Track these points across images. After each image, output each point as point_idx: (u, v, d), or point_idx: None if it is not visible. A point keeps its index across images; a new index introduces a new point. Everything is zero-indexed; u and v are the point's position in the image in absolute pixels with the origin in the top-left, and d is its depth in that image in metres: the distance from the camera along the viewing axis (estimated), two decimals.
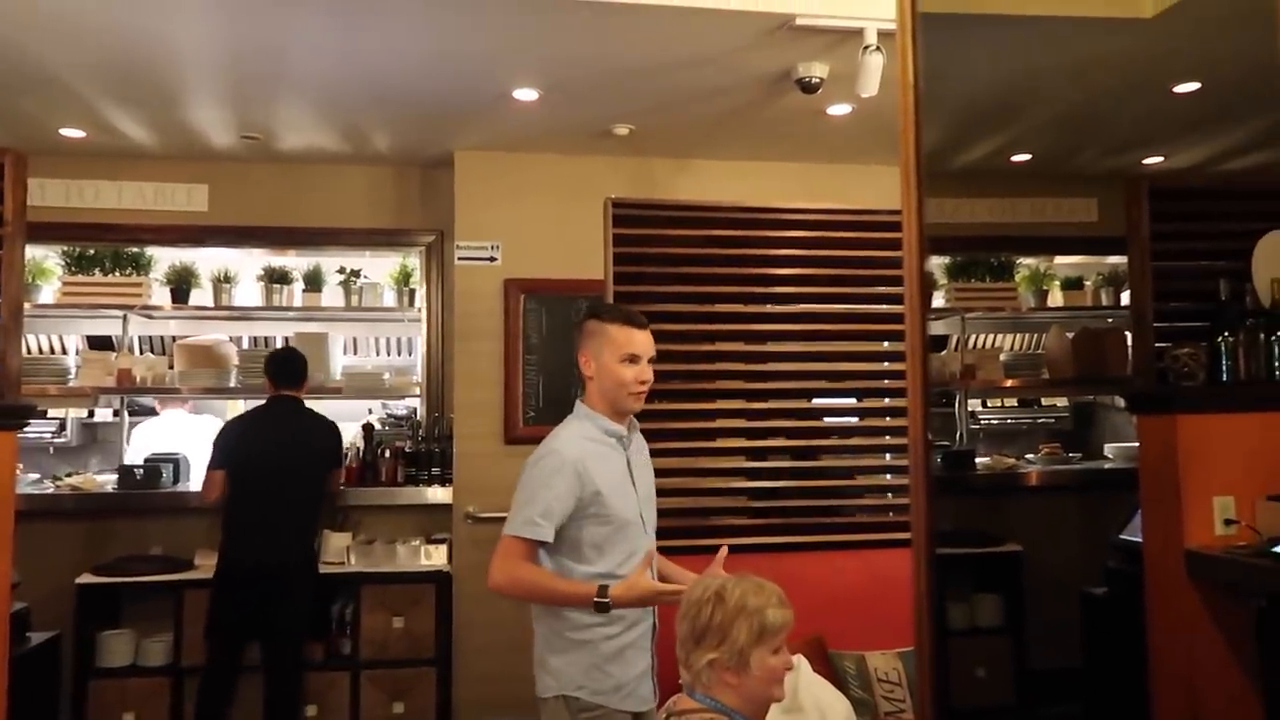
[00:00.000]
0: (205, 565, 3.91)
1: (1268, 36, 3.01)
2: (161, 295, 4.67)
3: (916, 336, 1.04)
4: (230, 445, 3.82)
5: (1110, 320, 5.04)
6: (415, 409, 4.88)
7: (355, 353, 5.49)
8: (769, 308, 3.42)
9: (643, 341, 2.36)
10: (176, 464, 4.38)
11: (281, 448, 3.81)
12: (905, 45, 1.17)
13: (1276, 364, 2.91)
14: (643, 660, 2.34)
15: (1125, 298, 4.90)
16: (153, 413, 5.09)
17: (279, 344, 5.29)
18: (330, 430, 3.98)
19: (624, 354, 2.33)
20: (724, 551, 2.30)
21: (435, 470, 4.43)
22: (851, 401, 3.51)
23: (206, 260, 4.79)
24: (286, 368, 3.93)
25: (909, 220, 1.10)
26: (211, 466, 3.82)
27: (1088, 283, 5.16)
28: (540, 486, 2.25)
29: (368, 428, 4.57)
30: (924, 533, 1.01)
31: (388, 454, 4.46)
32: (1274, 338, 2.91)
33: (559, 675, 2.27)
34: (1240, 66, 3.29)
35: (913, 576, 1.06)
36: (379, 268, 4.95)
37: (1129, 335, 4.30)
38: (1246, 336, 2.94)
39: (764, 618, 1.78)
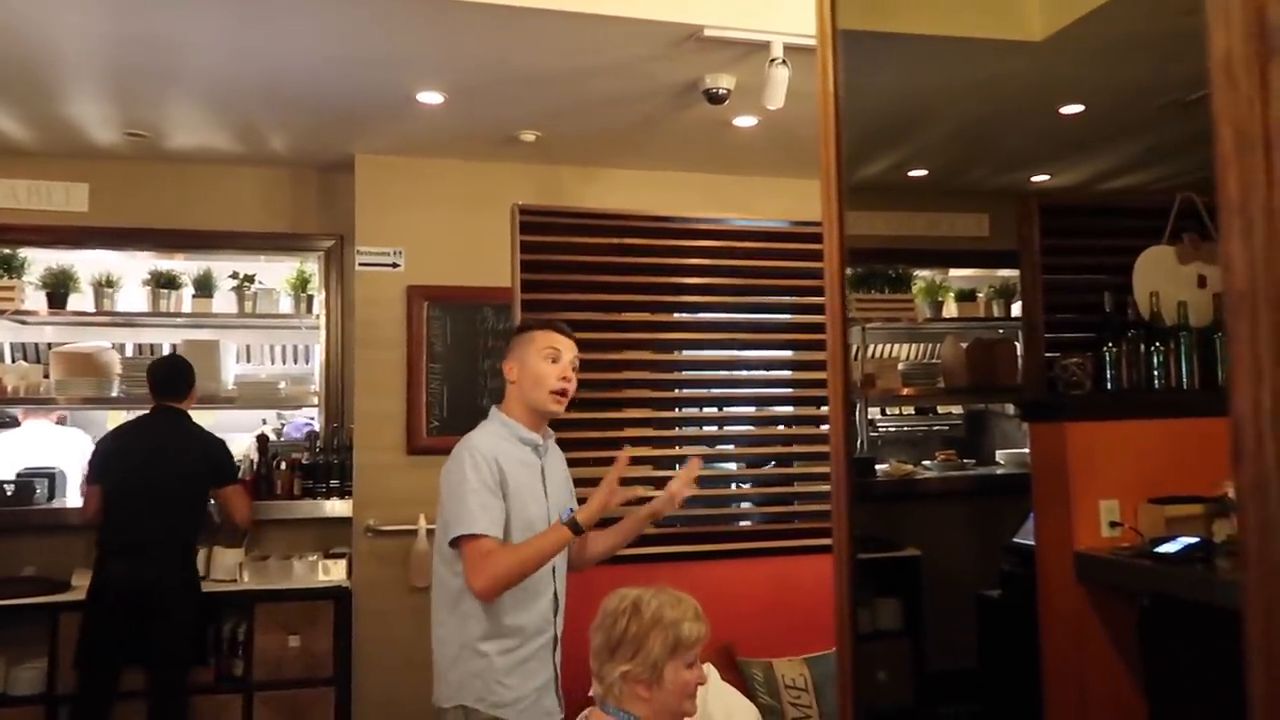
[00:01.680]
0: (82, 586, 3.67)
1: (1147, 64, 3.18)
2: (37, 299, 4.39)
3: (838, 346, 1.04)
4: (105, 459, 3.62)
5: (1001, 331, 5.24)
6: (313, 419, 4.72)
7: (249, 361, 5.28)
8: (677, 317, 3.43)
9: (565, 344, 2.41)
10: (52, 478, 4.13)
11: (158, 461, 3.60)
12: (825, 59, 1.17)
13: (1155, 373, 3.07)
14: (544, 672, 2.32)
15: (1016, 309, 5.11)
16: (15, 423, 4.79)
17: (165, 351, 5.05)
18: (215, 445, 3.77)
19: (546, 350, 2.37)
20: (695, 463, 2.56)
21: (334, 482, 4.29)
22: (758, 410, 3.55)
23: (87, 263, 4.52)
24: (169, 378, 3.73)
25: (830, 232, 1.10)
26: (88, 482, 3.64)
27: (980, 294, 5.35)
28: (464, 482, 2.23)
29: (262, 439, 4.40)
30: (845, 539, 1.01)
31: (283, 466, 4.30)
32: (1153, 348, 3.07)
33: (458, 686, 2.25)
34: (1121, 91, 3.47)
35: (834, 582, 1.06)
36: (275, 273, 4.77)
37: (1019, 345, 4.48)
38: (1129, 347, 3.09)
39: (679, 631, 1.77)
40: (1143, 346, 3.08)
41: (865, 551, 4.20)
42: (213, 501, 3.81)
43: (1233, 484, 0.52)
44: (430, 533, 4.13)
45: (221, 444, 3.81)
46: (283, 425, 5.04)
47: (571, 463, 2.64)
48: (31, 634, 3.72)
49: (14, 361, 4.79)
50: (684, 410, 3.39)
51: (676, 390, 3.41)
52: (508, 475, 2.27)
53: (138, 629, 3.48)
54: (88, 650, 3.51)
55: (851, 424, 1.05)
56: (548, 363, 2.36)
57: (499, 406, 2.43)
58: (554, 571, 2.36)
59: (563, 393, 2.38)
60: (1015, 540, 3.57)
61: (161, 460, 3.61)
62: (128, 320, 4.65)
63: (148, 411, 3.77)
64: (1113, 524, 2.93)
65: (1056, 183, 4.70)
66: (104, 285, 4.46)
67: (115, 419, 4.52)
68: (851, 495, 0.98)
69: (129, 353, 4.93)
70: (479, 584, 2.17)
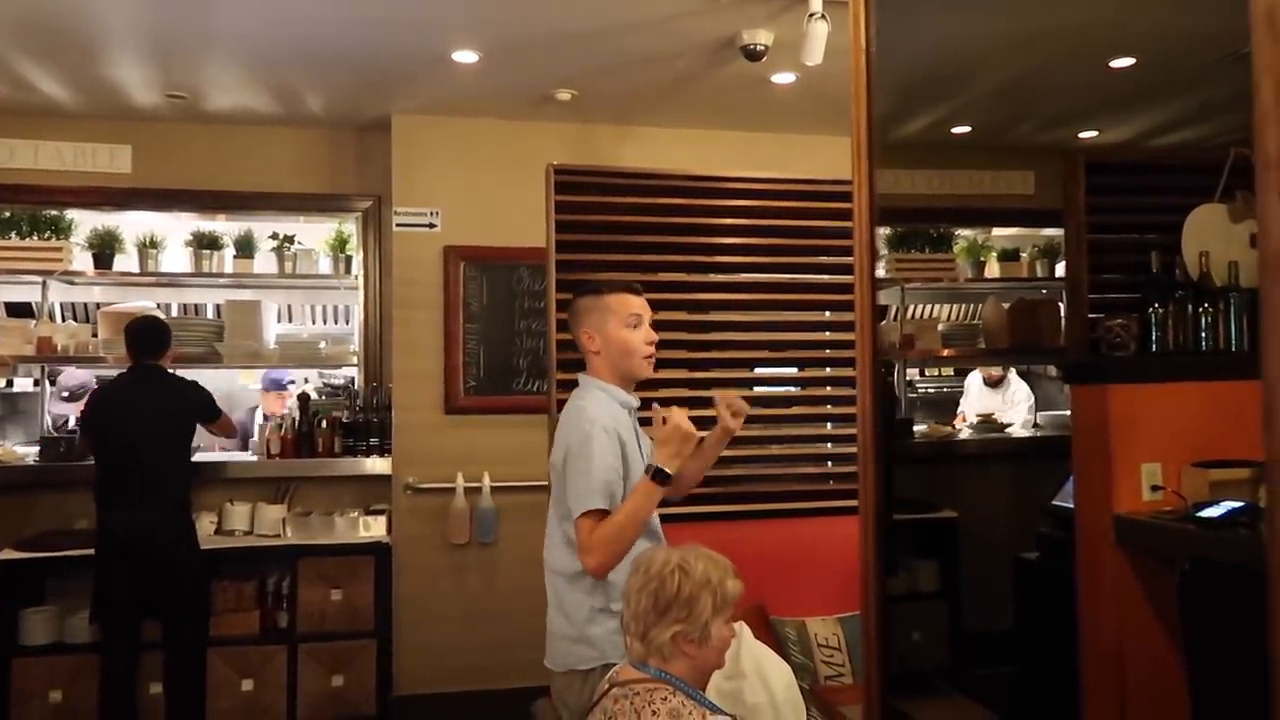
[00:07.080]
0: None
1: (1202, 14, 3.06)
2: (84, 260, 4.48)
3: (866, 307, 1.03)
4: (91, 414, 3.79)
5: (1045, 291, 5.14)
6: (352, 378, 4.78)
7: (290, 321, 5.35)
8: (712, 277, 3.40)
9: (642, 305, 2.35)
10: None
11: (141, 415, 3.72)
12: (858, 14, 1.14)
13: (1203, 335, 2.99)
14: None
15: (1060, 269, 5.00)
16: None
17: (210, 311, 5.14)
18: (192, 389, 3.90)
19: (628, 318, 2.32)
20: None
21: (374, 440, 4.35)
22: (794, 371, 3.53)
23: (131, 224, 4.60)
24: (147, 338, 3.82)
25: (859, 191, 1.08)
26: (80, 427, 3.94)
27: (1024, 254, 5.25)
28: (590, 458, 2.19)
29: (304, 397, 4.47)
30: (873, 501, 1.00)
31: (324, 424, 4.37)
32: (1201, 309, 2.99)
33: (602, 643, 2.23)
34: (1175, 43, 3.35)
35: (860, 543, 1.06)
36: (314, 234, 4.81)
37: (1062, 306, 4.39)
38: (1175, 308, 3.01)
39: (725, 589, 1.79)
40: (1190, 307, 3.00)
41: (902, 513, 4.18)
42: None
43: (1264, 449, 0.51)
44: (468, 491, 4.19)
45: (198, 386, 3.94)
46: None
47: None
48: (84, 585, 3.83)
49: (63, 321, 4.89)
50: (719, 371, 3.38)
51: (712, 351, 3.39)
52: (626, 449, 2.25)
53: (144, 578, 3.63)
54: (102, 603, 3.66)
55: (879, 385, 1.03)
56: (631, 330, 2.31)
57: (589, 374, 2.37)
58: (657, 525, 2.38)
59: (653, 354, 2.35)
60: (1054, 503, 3.52)
61: (145, 414, 3.72)
62: (172, 280, 4.74)
63: (127, 370, 3.87)
64: (1155, 488, 2.88)
65: (1105, 139, 4.56)
66: (148, 246, 4.53)
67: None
68: (881, 457, 0.97)
69: (174, 313, 5.01)
70: (591, 562, 2.14)
